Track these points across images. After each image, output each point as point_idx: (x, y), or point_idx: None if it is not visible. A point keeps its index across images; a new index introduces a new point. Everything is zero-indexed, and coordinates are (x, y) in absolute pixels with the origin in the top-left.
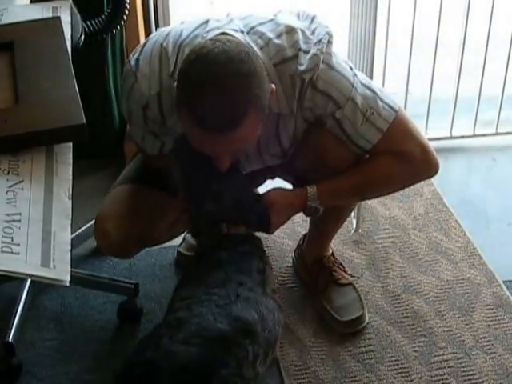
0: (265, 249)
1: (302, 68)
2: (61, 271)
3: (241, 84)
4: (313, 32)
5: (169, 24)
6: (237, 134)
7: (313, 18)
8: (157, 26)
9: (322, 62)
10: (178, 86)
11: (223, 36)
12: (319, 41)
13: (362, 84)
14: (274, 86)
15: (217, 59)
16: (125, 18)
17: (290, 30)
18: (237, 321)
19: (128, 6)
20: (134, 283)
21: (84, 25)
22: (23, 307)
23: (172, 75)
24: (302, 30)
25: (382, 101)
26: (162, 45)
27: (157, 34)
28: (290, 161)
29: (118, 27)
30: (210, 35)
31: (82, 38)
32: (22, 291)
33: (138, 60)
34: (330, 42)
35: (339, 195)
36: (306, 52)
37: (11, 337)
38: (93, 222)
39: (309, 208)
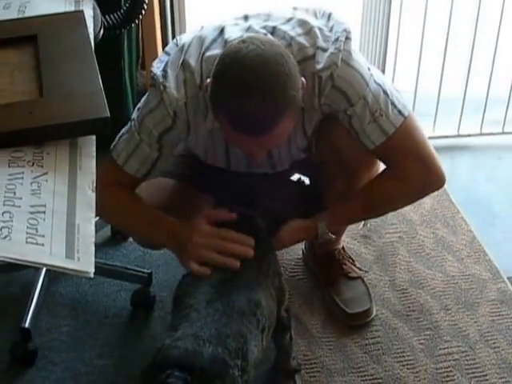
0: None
1: (319, 66)
2: (85, 263)
3: (277, 87)
4: (331, 29)
5: (184, 19)
6: (273, 134)
7: (329, 16)
8: (172, 20)
9: (341, 59)
10: (213, 90)
11: (256, 36)
12: (337, 39)
13: (376, 83)
14: (303, 79)
15: (253, 63)
16: (143, 12)
17: (309, 30)
18: (247, 294)
19: (146, 1)
20: (147, 272)
21: (103, 19)
22: (39, 294)
23: (200, 87)
24: (320, 29)
25: (392, 104)
26: (184, 57)
27: (179, 44)
28: (309, 157)
29: (136, 21)
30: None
31: (101, 31)
32: (38, 278)
33: (165, 71)
34: (348, 39)
35: (348, 220)
36: (324, 50)
37: (27, 322)
38: None
39: (319, 239)
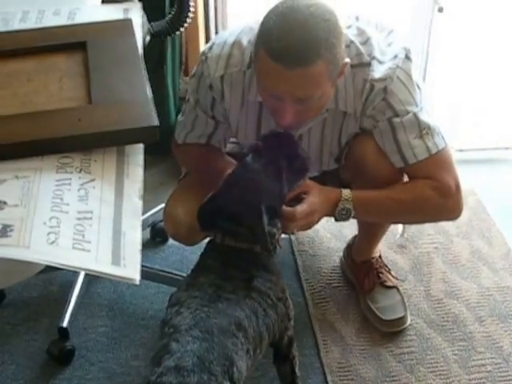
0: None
1: (375, 76)
2: (131, 270)
3: (320, 26)
4: (389, 45)
5: (227, 27)
6: (305, 75)
7: (390, 32)
8: (216, 27)
9: (397, 76)
10: (260, 26)
11: None
12: (395, 56)
13: (426, 109)
14: (348, 60)
15: (304, 2)
16: (188, 20)
17: (366, 40)
18: (227, 315)
19: (192, 9)
20: (185, 276)
21: (149, 25)
22: (78, 294)
23: (249, 65)
24: (378, 41)
25: (438, 129)
26: (237, 35)
27: (234, 26)
28: (337, 170)
29: (182, 29)
30: None
31: (148, 38)
32: (77, 278)
33: (213, 44)
34: (407, 58)
35: (371, 205)
36: (380, 62)
37: (65, 322)
38: (147, 214)
39: (340, 209)
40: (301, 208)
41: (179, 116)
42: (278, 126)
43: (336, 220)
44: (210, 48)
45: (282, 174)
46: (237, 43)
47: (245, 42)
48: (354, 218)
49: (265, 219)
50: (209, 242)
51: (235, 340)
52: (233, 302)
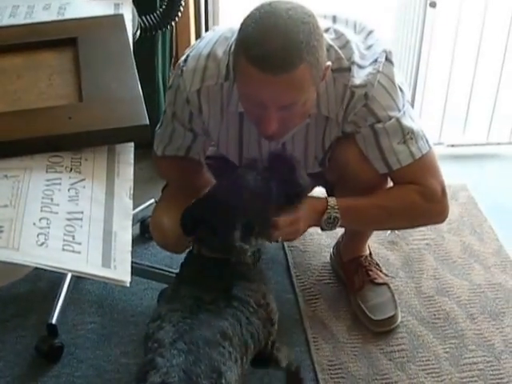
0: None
1: (355, 82)
2: (121, 272)
3: (301, 29)
4: (368, 48)
5: (218, 20)
6: (289, 81)
7: (369, 33)
8: (206, 21)
9: (378, 81)
10: (238, 34)
11: None
12: (375, 60)
13: (409, 112)
14: (330, 63)
15: (281, 6)
16: (179, 14)
17: (345, 43)
18: (210, 326)
19: (183, 3)
20: (174, 272)
21: (140, 20)
22: (67, 290)
23: (226, 78)
24: (357, 44)
25: (422, 132)
26: (212, 47)
27: (209, 35)
28: (323, 172)
29: (173, 23)
30: None
31: (138, 32)
32: (66, 274)
33: (188, 56)
34: (388, 60)
35: (358, 213)
36: (361, 67)
37: (54, 319)
38: (137, 210)
39: (327, 218)
40: (284, 216)
41: (157, 127)
42: (262, 136)
43: (322, 229)
44: (185, 61)
45: (272, 194)
46: (212, 55)
47: (220, 53)
48: (340, 226)
49: (236, 234)
50: (188, 253)
51: (222, 350)
52: (214, 312)
